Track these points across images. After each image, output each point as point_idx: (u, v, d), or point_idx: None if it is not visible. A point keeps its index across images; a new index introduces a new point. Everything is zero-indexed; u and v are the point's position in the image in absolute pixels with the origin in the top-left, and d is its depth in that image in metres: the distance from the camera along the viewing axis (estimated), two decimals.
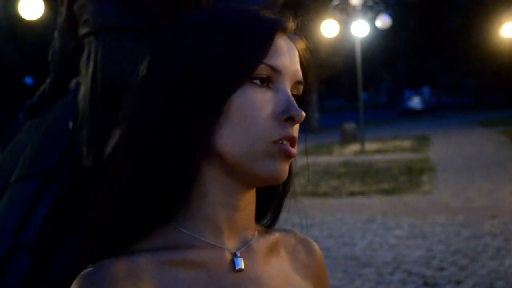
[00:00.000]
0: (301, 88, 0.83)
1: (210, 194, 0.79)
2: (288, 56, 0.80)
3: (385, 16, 16.52)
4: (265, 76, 0.78)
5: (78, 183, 1.99)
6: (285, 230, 0.93)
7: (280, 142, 0.77)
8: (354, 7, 15.60)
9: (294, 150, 0.78)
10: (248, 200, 0.82)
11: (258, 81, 0.77)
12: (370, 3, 16.06)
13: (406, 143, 17.46)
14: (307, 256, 0.92)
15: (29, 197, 1.96)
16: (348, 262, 6.02)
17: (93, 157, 1.92)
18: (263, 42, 0.77)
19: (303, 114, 0.78)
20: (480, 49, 30.16)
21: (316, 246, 0.95)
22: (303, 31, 0.88)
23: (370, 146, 16.98)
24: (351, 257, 6.17)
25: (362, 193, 9.87)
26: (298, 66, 0.82)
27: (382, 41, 35.83)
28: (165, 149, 0.76)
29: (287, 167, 0.79)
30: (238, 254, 0.81)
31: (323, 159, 14.40)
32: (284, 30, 0.82)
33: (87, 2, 1.98)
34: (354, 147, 17.09)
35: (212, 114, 0.75)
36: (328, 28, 15.61)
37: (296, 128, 0.79)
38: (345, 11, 15.67)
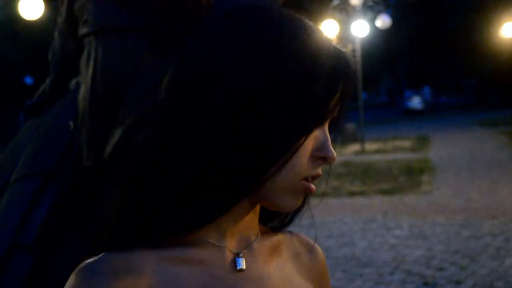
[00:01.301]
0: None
1: None
2: None
3: (385, 16, 16.52)
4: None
5: (78, 183, 1.99)
6: (289, 232, 0.93)
7: (306, 179, 0.78)
8: (354, 7, 15.61)
9: (314, 189, 0.80)
10: (253, 205, 0.82)
11: None
12: (370, 3, 16.08)
13: (406, 143, 17.46)
14: (309, 259, 0.92)
15: (29, 197, 1.96)
16: (348, 262, 6.02)
17: (93, 157, 1.92)
18: (331, 96, 0.76)
19: (335, 156, 0.78)
20: (480, 49, 30.16)
21: (319, 249, 0.95)
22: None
23: (370, 146, 16.98)
24: (351, 257, 6.17)
25: (362, 193, 9.87)
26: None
27: (382, 41, 35.81)
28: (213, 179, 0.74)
29: (300, 201, 0.81)
30: (240, 254, 0.80)
31: None
32: None
33: (87, 2, 1.98)
34: (354, 147, 17.10)
35: (276, 161, 0.74)
36: (328, 28, 15.60)
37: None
38: (345, 11, 15.68)
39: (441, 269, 5.65)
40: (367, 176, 11.64)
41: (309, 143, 0.77)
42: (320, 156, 0.78)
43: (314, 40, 0.76)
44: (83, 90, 1.98)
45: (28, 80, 24.90)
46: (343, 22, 16.11)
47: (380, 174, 11.84)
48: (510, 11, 17.45)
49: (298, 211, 0.88)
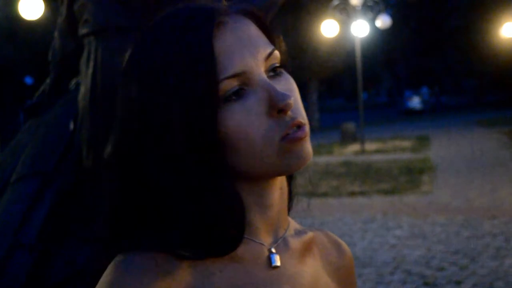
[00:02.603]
0: (275, 57, 0.77)
1: (243, 198, 0.77)
2: (241, 46, 0.75)
3: (385, 16, 16.53)
4: (235, 88, 0.74)
5: (78, 183, 1.99)
6: (318, 230, 0.93)
7: (286, 135, 0.74)
8: (354, 7, 15.60)
9: (302, 132, 0.75)
10: (280, 196, 0.81)
11: (233, 96, 0.74)
12: (370, 3, 16.06)
13: (406, 143, 17.46)
14: (338, 258, 0.92)
15: (29, 197, 1.96)
16: None
17: (93, 157, 1.92)
18: (204, 62, 0.72)
19: (290, 101, 0.73)
20: (480, 49, 30.17)
21: (347, 248, 0.94)
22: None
23: (370, 146, 16.98)
24: None
25: (362, 193, 9.86)
26: (259, 44, 0.76)
27: (382, 41, 35.85)
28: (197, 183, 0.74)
29: (307, 146, 0.76)
30: (274, 251, 0.80)
31: (323, 159, 14.40)
32: (221, 16, 0.76)
33: (87, 2, 1.98)
34: (354, 147, 17.09)
35: (211, 149, 0.73)
36: (328, 28, 15.63)
37: (296, 107, 0.76)
38: (345, 11, 15.68)
39: (441, 269, 5.65)
40: (367, 176, 11.64)
41: (254, 112, 0.74)
42: (276, 110, 0.73)
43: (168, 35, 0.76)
44: (83, 90, 1.98)
45: (28, 80, 24.90)
46: (343, 22, 16.12)
47: (380, 174, 11.83)
48: (510, 11, 17.45)
49: (291, 195, 0.86)
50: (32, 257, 1.89)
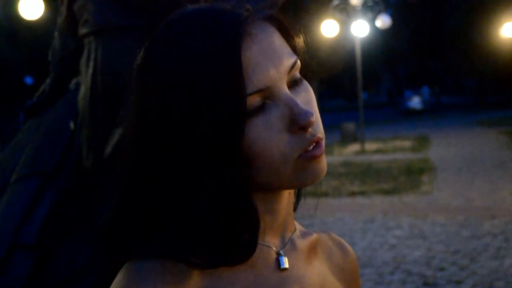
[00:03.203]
0: (297, 67, 0.77)
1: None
2: (267, 58, 0.73)
3: (385, 16, 16.52)
4: (259, 104, 0.73)
5: (78, 183, 1.99)
6: (322, 232, 0.93)
7: (304, 152, 0.74)
8: (354, 7, 15.60)
9: (320, 150, 0.75)
10: (287, 200, 0.81)
11: (254, 110, 0.73)
12: (370, 3, 16.06)
13: (406, 143, 17.46)
14: (342, 259, 0.92)
15: (29, 197, 1.96)
16: None
17: (93, 157, 1.92)
18: (233, 76, 0.70)
19: (312, 119, 0.73)
20: (480, 49, 30.17)
21: (351, 249, 0.95)
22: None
23: (370, 146, 16.98)
24: None
25: (362, 193, 9.86)
26: (283, 56, 0.75)
27: (382, 41, 35.82)
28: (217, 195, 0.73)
29: (323, 162, 0.76)
30: (282, 253, 0.80)
31: None
32: (248, 26, 0.74)
33: (87, 2, 1.98)
34: (354, 147, 17.09)
35: (232, 161, 0.72)
36: (328, 28, 15.62)
37: (316, 123, 0.75)
38: (345, 11, 15.67)
39: (441, 269, 5.65)
40: (367, 176, 11.64)
41: (275, 128, 0.73)
42: (298, 128, 0.73)
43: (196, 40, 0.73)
44: (83, 90, 1.98)
45: (28, 80, 24.90)
46: (343, 22, 16.11)
47: (380, 174, 11.83)
48: (510, 11, 17.45)
49: (298, 195, 0.87)
50: (32, 257, 1.88)
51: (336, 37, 16.80)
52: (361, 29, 15.98)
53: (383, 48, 37.69)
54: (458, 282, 5.26)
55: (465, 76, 39.71)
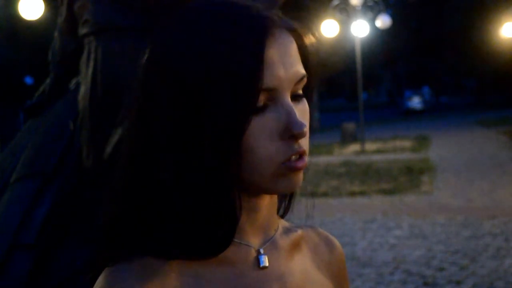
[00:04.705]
0: (303, 82, 0.79)
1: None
2: (281, 62, 0.75)
3: (385, 16, 16.52)
4: (260, 104, 0.74)
5: (78, 183, 1.99)
6: (308, 227, 0.93)
7: (288, 161, 0.76)
8: (354, 7, 15.60)
9: (302, 163, 0.77)
10: (269, 200, 0.82)
11: (257, 109, 0.74)
12: (370, 3, 16.05)
13: (406, 143, 17.46)
14: (328, 254, 0.93)
15: (29, 197, 1.96)
16: (348, 262, 6.01)
17: (93, 157, 1.92)
18: (253, 71, 0.72)
19: (305, 130, 0.75)
20: (480, 49, 30.16)
21: (337, 244, 0.95)
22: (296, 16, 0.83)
23: (370, 146, 16.98)
24: (351, 257, 6.17)
25: (362, 193, 9.87)
26: (295, 65, 0.77)
27: (382, 41, 35.83)
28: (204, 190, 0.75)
29: (301, 175, 0.78)
30: (262, 252, 0.81)
31: (323, 159, 14.40)
32: (274, 28, 0.76)
33: (87, 2, 1.98)
34: (354, 147, 17.09)
35: (230, 156, 0.73)
36: (328, 28, 15.61)
37: (305, 139, 0.77)
38: (345, 11, 15.67)
39: (441, 269, 5.65)
40: (367, 176, 11.64)
41: (269, 128, 0.74)
42: (289, 135, 0.75)
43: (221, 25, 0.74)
44: (83, 90, 1.98)
45: (28, 80, 24.89)
46: (343, 22, 16.11)
47: (380, 174, 11.83)
48: (510, 11, 17.45)
49: (291, 198, 0.87)
50: (32, 257, 1.88)
51: (336, 37, 16.79)
52: (361, 29, 15.99)
53: (383, 48, 37.68)
54: (458, 282, 5.27)
55: (465, 76, 39.69)
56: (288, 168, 0.76)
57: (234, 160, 0.74)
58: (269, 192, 0.79)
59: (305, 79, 0.78)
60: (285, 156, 0.75)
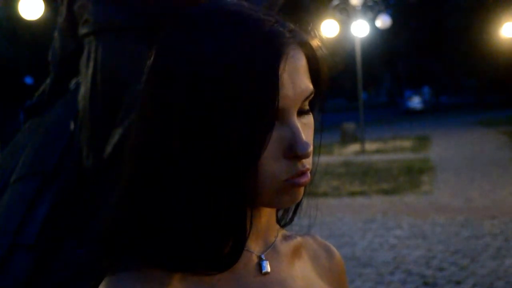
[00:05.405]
0: (310, 98, 0.78)
1: None
2: (291, 81, 0.74)
3: (385, 16, 16.54)
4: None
5: (78, 183, 1.99)
6: (306, 235, 0.94)
7: (291, 178, 0.75)
8: (354, 7, 15.61)
9: (305, 179, 0.76)
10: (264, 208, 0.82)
11: None
12: (370, 3, 16.10)
13: (406, 143, 17.47)
14: (328, 261, 0.93)
15: (29, 197, 1.96)
16: (348, 262, 6.02)
17: (93, 157, 1.92)
18: (272, 101, 0.71)
19: (309, 151, 0.75)
20: (480, 49, 30.16)
21: (336, 251, 0.96)
22: (310, 30, 0.80)
23: (370, 146, 16.99)
24: (351, 257, 6.17)
25: (362, 193, 9.87)
26: (304, 83, 0.76)
27: (382, 41, 35.84)
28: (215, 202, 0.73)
29: (302, 190, 0.78)
30: (264, 257, 0.81)
31: (323, 159, 14.40)
32: (288, 47, 0.74)
33: (87, 2, 1.98)
34: (354, 147, 17.10)
35: (246, 169, 0.73)
36: (328, 28, 15.61)
37: (308, 158, 0.77)
38: (345, 11, 15.67)
39: (441, 269, 5.65)
40: (367, 176, 11.64)
41: (274, 147, 0.74)
42: (293, 155, 0.74)
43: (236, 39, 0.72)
44: (83, 90, 1.98)
45: (28, 80, 24.89)
46: (343, 22, 16.11)
47: (380, 174, 11.84)
48: (510, 11, 17.45)
49: (296, 209, 0.87)
50: (32, 257, 1.88)
51: (336, 37, 16.78)
52: (361, 29, 15.99)
53: (383, 48, 37.69)
54: (458, 282, 5.27)
55: (465, 76, 39.68)
56: (291, 185, 0.76)
57: (251, 180, 0.73)
58: (271, 206, 0.79)
59: (312, 95, 0.78)
60: (288, 175, 0.75)
